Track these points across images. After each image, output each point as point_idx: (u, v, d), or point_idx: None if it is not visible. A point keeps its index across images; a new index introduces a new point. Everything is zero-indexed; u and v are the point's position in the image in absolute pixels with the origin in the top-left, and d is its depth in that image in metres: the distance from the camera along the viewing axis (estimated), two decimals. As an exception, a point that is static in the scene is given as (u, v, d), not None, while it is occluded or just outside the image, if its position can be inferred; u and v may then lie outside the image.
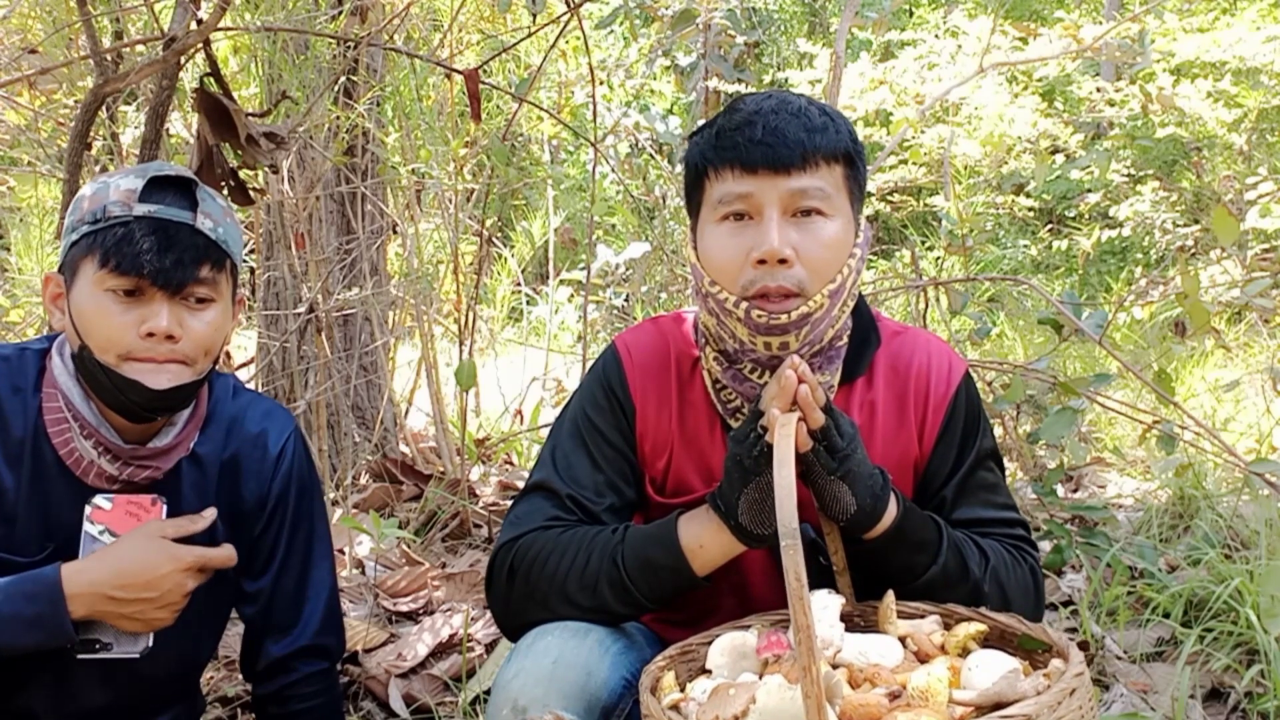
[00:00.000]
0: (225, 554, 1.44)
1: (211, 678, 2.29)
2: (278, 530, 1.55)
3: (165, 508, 1.43)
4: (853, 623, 1.34)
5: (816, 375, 1.38)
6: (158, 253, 1.33)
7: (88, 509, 1.40)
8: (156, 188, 1.37)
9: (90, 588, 1.34)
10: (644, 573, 1.34)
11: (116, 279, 1.33)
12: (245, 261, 4.18)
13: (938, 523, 1.38)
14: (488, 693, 2.17)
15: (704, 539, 1.33)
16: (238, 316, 1.51)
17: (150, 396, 1.36)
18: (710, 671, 1.27)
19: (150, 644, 1.41)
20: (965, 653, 1.24)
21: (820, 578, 1.37)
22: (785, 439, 1.15)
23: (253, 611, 1.57)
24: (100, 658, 1.40)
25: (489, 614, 2.53)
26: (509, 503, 3.42)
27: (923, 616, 1.32)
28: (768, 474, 1.26)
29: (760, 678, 1.19)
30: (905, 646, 1.25)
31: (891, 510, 1.32)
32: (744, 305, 1.32)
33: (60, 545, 1.40)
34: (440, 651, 2.36)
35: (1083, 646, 2.21)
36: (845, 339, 1.44)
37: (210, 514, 1.46)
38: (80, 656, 1.39)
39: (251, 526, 1.53)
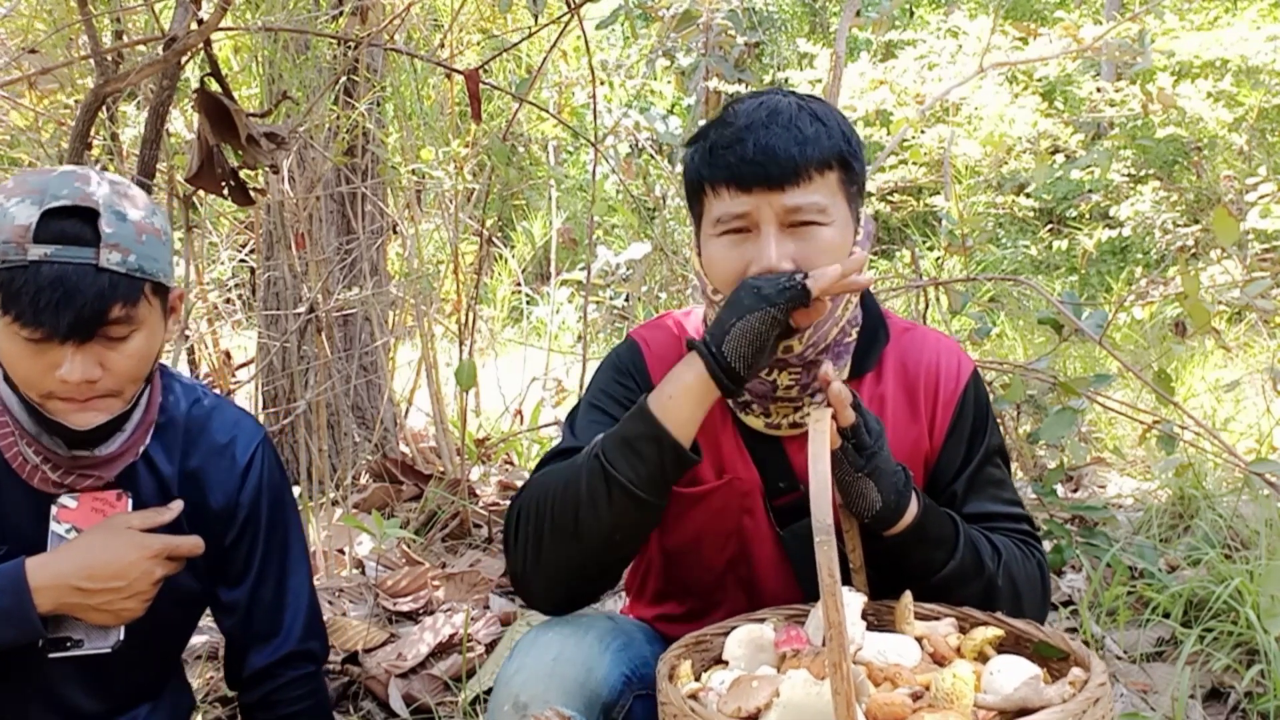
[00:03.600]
0: (192, 542, 1.41)
1: (212, 678, 2.29)
2: (252, 540, 1.52)
3: (131, 502, 1.42)
4: (867, 621, 1.34)
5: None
6: (55, 308, 1.21)
7: (54, 509, 1.38)
8: (54, 220, 1.23)
9: (56, 579, 1.31)
10: (622, 452, 1.29)
11: (19, 329, 1.23)
12: (239, 257, 4.14)
13: (954, 519, 1.39)
14: (488, 693, 2.18)
15: (669, 387, 1.30)
16: (173, 324, 1.42)
17: (77, 435, 1.33)
18: (726, 663, 1.27)
19: (121, 638, 1.39)
20: (981, 657, 1.24)
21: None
22: (820, 434, 1.14)
23: (232, 622, 1.55)
24: (71, 655, 1.38)
25: (489, 614, 2.53)
26: (509, 503, 3.42)
27: (938, 619, 1.32)
28: (773, 315, 1.26)
29: (778, 671, 1.19)
30: (921, 648, 1.25)
31: (913, 507, 1.33)
32: None
33: (15, 547, 1.37)
34: (440, 651, 2.36)
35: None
36: (853, 334, 1.44)
37: (177, 506, 1.43)
38: (51, 656, 1.37)
39: (221, 536, 1.50)
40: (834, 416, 1.24)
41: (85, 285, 1.23)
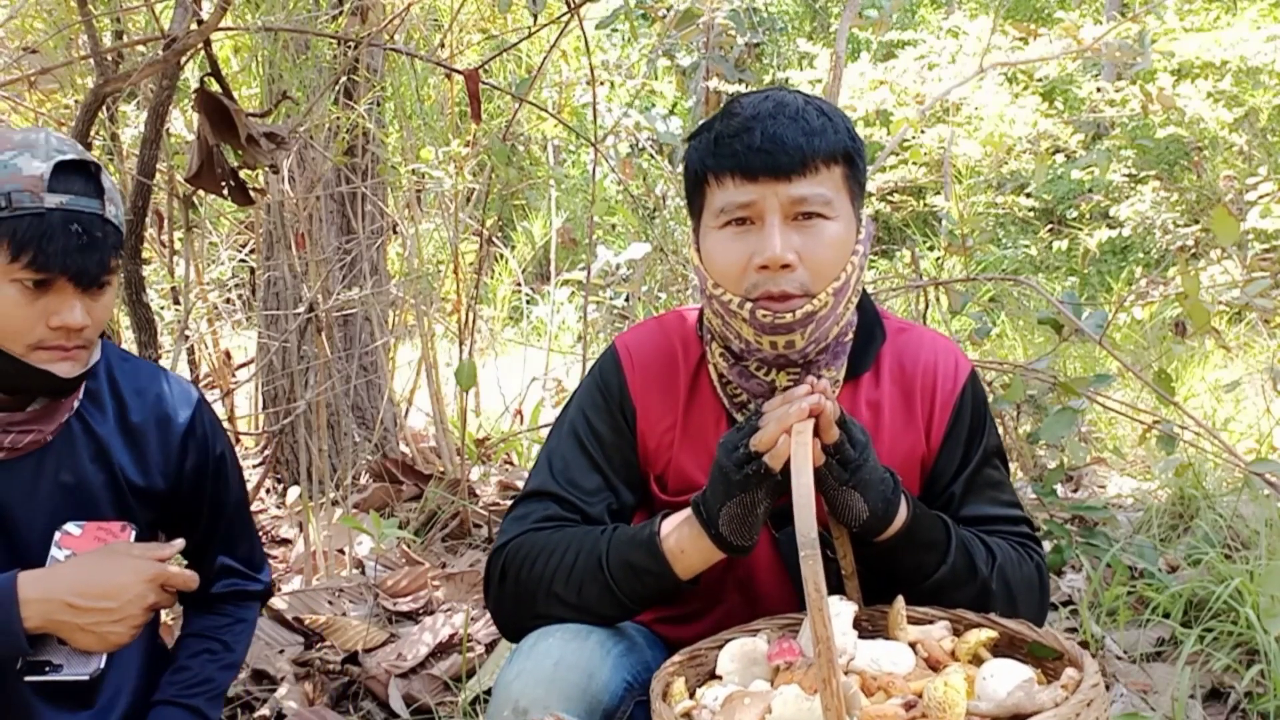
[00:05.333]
0: (186, 575, 1.43)
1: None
2: (213, 495, 1.56)
3: (134, 533, 1.43)
4: (861, 627, 1.34)
5: (822, 372, 1.38)
6: (78, 251, 1.29)
7: (57, 535, 1.39)
8: (65, 172, 1.30)
9: (47, 593, 1.31)
10: (626, 575, 1.34)
11: (30, 274, 1.28)
12: (239, 257, 4.14)
13: (946, 522, 1.38)
14: (488, 693, 2.17)
15: (684, 544, 1.32)
16: None
17: (59, 385, 1.35)
18: (720, 677, 1.26)
19: (102, 665, 1.37)
20: (976, 659, 1.23)
21: (829, 581, 1.36)
22: (801, 446, 1.14)
23: (190, 563, 1.61)
24: (49, 680, 1.36)
25: (489, 614, 2.53)
26: (509, 503, 3.42)
27: (932, 622, 1.31)
28: (754, 492, 1.26)
29: (771, 684, 1.18)
30: (915, 653, 1.24)
31: (902, 513, 1.32)
32: (749, 305, 1.32)
33: None
34: (440, 651, 2.36)
35: (1082, 646, 2.21)
36: (850, 335, 1.43)
37: (179, 544, 1.46)
38: (28, 679, 1.35)
39: (165, 497, 1.52)
40: (818, 433, 1.23)
41: (98, 234, 1.31)
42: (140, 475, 1.49)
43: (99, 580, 1.33)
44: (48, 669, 1.35)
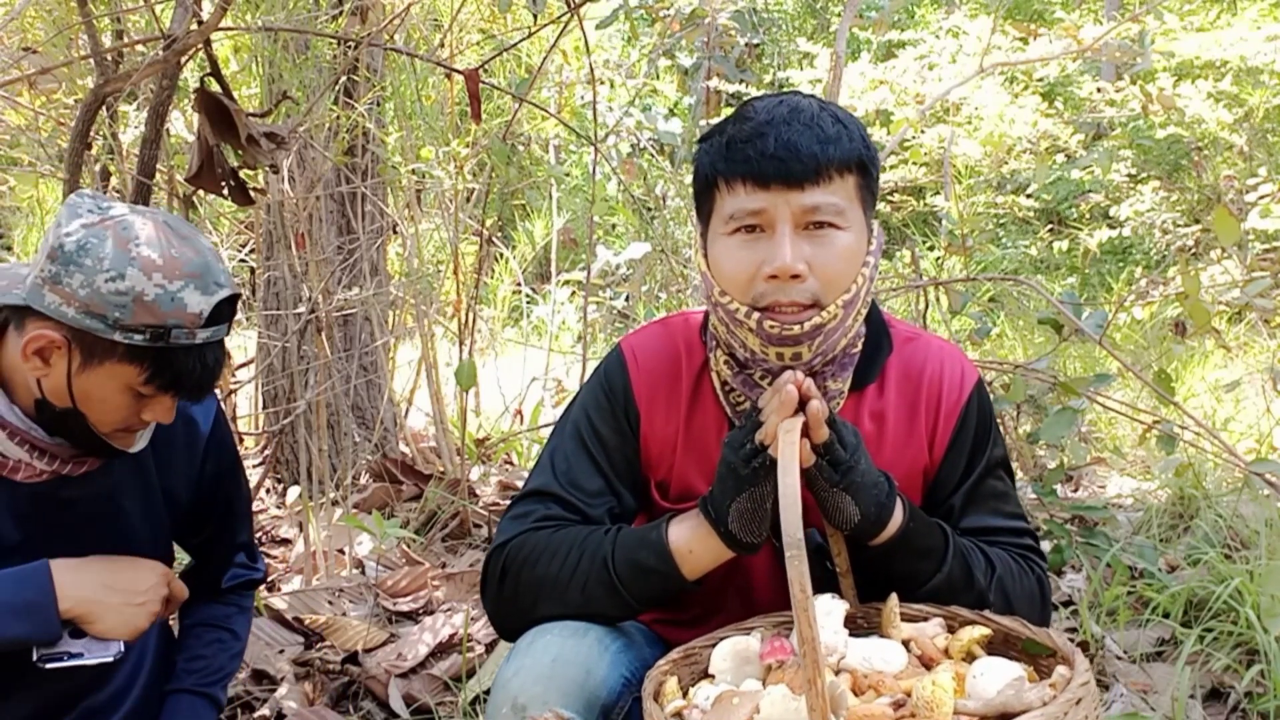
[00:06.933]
0: (183, 588, 1.53)
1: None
2: (215, 495, 1.63)
3: None
4: (855, 625, 1.33)
5: (827, 383, 1.37)
6: (209, 384, 1.39)
7: None
8: (218, 306, 1.35)
9: (80, 580, 1.37)
10: (633, 575, 1.33)
11: (153, 391, 1.35)
12: (239, 257, 4.14)
13: (944, 530, 1.37)
14: (488, 693, 2.17)
15: (693, 544, 1.32)
16: None
17: (123, 453, 1.44)
18: (713, 676, 1.26)
19: (123, 649, 1.45)
20: (969, 657, 1.22)
21: (824, 581, 1.36)
22: (790, 446, 1.13)
23: (195, 557, 1.70)
24: (68, 666, 1.42)
25: (486, 614, 2.53)
26: (509, 503, 3.42)
27: (926, 619, 1.31)
28: (762, 486, 1.26)
29: (764, 683, 1.18)
30: (908, 650, 1.24)
31: (897, 517, 1.31)
32: (755, 316, 1.30)
33: None
34: (440, 651, 2.36)
35: (1082, 647, 2.21)
36: (858, 347, 1.42)
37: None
38: (48, 666, 1.40)
39: (188, 497, 1.59)
40: (808, 432, 1.22)
41: (220, 357, 1.40)
42: (171, 482, 1.56)
43: (128, 567, 1.43)
44: (66, 657, 1.41)
